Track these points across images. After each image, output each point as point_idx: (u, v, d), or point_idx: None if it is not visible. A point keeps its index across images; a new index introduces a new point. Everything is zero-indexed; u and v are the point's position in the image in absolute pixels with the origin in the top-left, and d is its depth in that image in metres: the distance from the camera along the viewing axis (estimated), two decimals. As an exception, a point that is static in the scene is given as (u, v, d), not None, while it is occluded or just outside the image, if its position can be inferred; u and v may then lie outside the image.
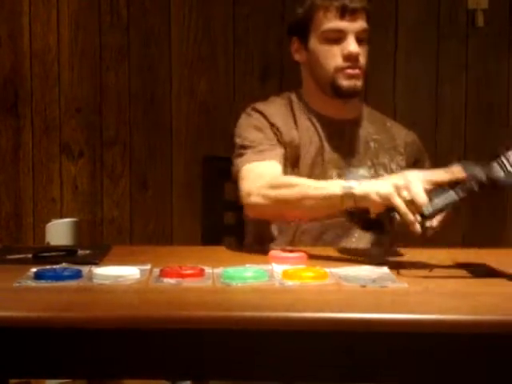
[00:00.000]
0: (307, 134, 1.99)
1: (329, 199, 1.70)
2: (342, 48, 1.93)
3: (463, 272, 1.57)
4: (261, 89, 2.93)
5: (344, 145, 2.01)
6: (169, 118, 3.03)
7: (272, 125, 1.97)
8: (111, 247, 1.79)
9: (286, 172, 1.91)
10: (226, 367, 1.25)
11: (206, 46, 3.01)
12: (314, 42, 1.96)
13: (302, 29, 1.98)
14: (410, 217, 1.55)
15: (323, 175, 1.96)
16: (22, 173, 3.06)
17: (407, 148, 2.06)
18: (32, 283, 1.38)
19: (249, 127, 1.98)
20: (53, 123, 3.04)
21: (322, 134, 2.00)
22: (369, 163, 2.00)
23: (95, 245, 2.50)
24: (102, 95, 3.04)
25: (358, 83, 1.94)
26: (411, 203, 1.56)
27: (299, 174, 1.92)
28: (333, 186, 1.70)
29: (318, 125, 2.01)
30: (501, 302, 1.32)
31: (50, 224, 2.88)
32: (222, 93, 3.00)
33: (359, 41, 1.94)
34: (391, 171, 1.99)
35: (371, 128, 2.04)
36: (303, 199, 1.74)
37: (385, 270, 1.50)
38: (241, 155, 1.93)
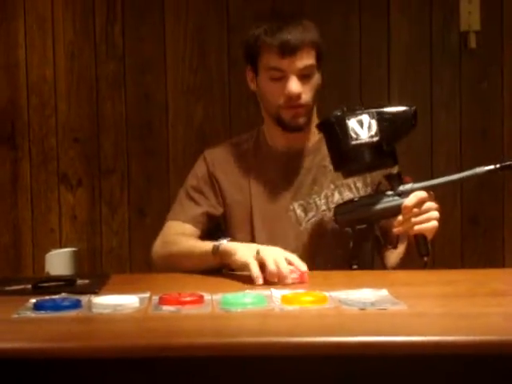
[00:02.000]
0: (261, 173, 2.05)
1: (202, 255, 1.87)
2: (284, 86, 1.94)
3: (463, 292, 1.58)
4: (257, 114, 2.93)
5: (301, 176, 2.03)
6: (166, 146, 3.04)
7: (211, 174, 2.08)
8: (110, 276, 1.79)
9: (240, 216, 2.04)
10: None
11: (202, 73, 3.02)
12: (261, 77, 2.01)
13: (253, 60, 2.01)
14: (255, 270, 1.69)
15: (284, 212, 2.01)
16: (21, 203, 3.06)
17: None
18: (31, 314, 1.38)
19: (193, 172, 2.12)
20: (50, 153, 3.05)
21: (277, 170, 2.05)
22: (332, 186, 2.02)
23: (94, 274, 2.50)
24: (99, 124, 3.05)
25: (301, 120, 1.98)
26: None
27: (256, 214, 2.02)
28: (206, 245, 1.88)
29: (271, 160, 2.06)
30: (502, 322, 1.32)
31: (49, 254, 2.88)
32: (218, 119, 3.02)
33: (304, 77, 1.95)
34: (357, 190, 2.02)
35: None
36: (182, 256, 1.93)
37: (384, 292, 1.50)
38: (175, 202, 2.10)
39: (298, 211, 2.03)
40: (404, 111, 1.84)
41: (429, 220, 1.80)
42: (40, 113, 3.04)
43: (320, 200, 2.03)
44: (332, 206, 2.01)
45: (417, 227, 1.80)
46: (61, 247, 3.00)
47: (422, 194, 1.80)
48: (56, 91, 3.04)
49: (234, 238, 2.05)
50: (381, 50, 3.02)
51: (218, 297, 1.47)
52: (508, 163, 1.77)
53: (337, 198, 2.02)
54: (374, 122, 1.81)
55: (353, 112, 1.82)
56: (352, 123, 1.81)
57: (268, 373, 1.23)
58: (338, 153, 1.86)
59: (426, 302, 1.48)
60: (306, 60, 1.95)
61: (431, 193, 1.82)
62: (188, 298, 1.43)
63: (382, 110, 1.83)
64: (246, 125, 2.89)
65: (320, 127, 1.89)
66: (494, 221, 3.03)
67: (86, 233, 3.06)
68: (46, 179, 3.06)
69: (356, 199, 1.91)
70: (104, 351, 1.20)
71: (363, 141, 1.81)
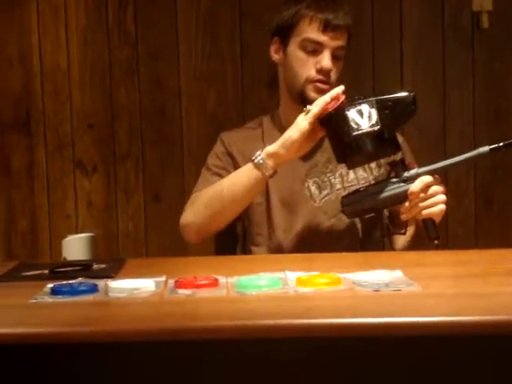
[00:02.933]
0: None
1: (243, 174, 1.90)
2: (316, 60, 1.97)
3: (477, 272, 1.58)
4: (270, 98, 2.93)
5: (315, 154, 2.04)
6: (179, 131, 3.05)
7: (229, 153, 2.09)
8: (126, 260, 1.80)
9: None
10: (244, 376, 1.26)
11: (214, 58, 3.02)
12: (292, 47, 2.01)
13: (285, 32, 2.03)
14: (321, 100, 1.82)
15: (299, 188, 2.01)
16: (37, 190, 3.08)
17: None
18: (48, 299, 1.39)
19: (212, 153, 2.13)
20: (65, 140, 3.07)
21: None
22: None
23: (110, 258, 2.51)
24: (113, 110, 3.06)
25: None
26: None
27: (272, 192, 2.05)
28: (242, 170, 1.92)
29: None
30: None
31: (66, 239, 2.90)
32: (231, 104, 3.02)
33: (335, 57, 1.99)
34: (370, 170, 2.03)
35: None
36: (221, 188, 1.93)
37: (398, 273, 1.50)
38: (199, 179, 2.09)
39: (313, 188, 2.04)
40: (403, 97, 1.82)
41: (436, 204, 1.80)
42: (54, 99, 3.05)
43: (335, 178, 2.04)
44: (347, 184, 2.02)
45: (425, 212, 1.81)
46: (77, 233, 3.01)
47: (428, 178, 1.80)
48: (70, 78, 3.05)
49: (249, 217, 2.06)
50: (393, 30, 3.01)
51: (233, 280, 1.47)
52: (510, 141, 1.76)
53: (352, 177, 2.03)
54: (373, 111, 1.79)
55: (352, 102, 1.81)
56: (352, 114, 1.80)
57: (283, 355, 1.23)
58: (341, 145, 1.85)
59: (441, 283, 1.48)
60: (342, 41, 2.00)
61: (436, 176, 1.82)
62: (203, 282, 1.44)
63: (381, 97, 1.82)
64: (258, 110, 2.88)
65: (321, 121, 1.87)
66: (508, 201, 3.02)
67: (102, 218, 3.08)
68: (61, 166, 3.07)
69: (362, 189, 1.90)
70: (120, 335, 1.21)
71: (364, 131, 1.79)
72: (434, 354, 1.23)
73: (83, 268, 1.67)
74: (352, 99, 1.82)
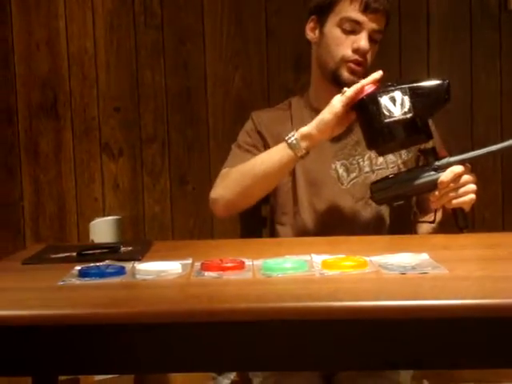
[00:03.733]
0: None
1: (276, 153, 1.90)
2: (354, 40, 1.97)
3: (504, 255, 1.57)
4: (295, 80, 2.93)
5: (344, 136, 2.03)
6: (205, 114, 3.05)
7: (259, 132, 2.09)
8: (153, 243, 1.81)
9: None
10: (270, 358, 1.26)
11: (239, 40, 3.02)
12: (330, 26, 2.00)
13: (324, 10, 2.02)
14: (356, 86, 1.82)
15: (326, 169, 2.01)
16: (65, 173, 3.11)
17: None
18: (76, 281, 1.40)
19: (243, 131, 2.12)
20: (92, 123, 3.09)
21: None
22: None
23: (137, 241, 2.52)
24: (139, 93, 3.07)
25: (357, 79, 1.95)
26: None
27: (299, 172, 2.04)
28: (275, 148, 1.92)
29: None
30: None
31: (93, 222, 2.92)
32: (256, 86, 3.02)
33: (371, 40, 1.99)
34: (399, 154, 2.02)
35: None
36: (253, 166, 1.92)
37: (425, 256, 1.50)
38: (229, 155, 2.09)
39: (340, 171, 2.03)
40: (437, 85, 1.80)
41: (466, 193, 1.79)
42: (81, 83, 3.07)
43: (363, 161, 2.03)
44: (376, 168, 2.01)
45: (454, 201, 1.80)
46: (104, 216, 3.04)
47: (459, 168, 1.78)
48: (96, 61, 3.06)
49: (276, 196, 2.06)
50: (420, 13, 2.99)
51: (258, 262, 1.47)
52: None
53: (380, 160, 2.03)
54: (406, 99, 1.77)
55: (385, 89, 1.80)
56: (384, 100, 1.78)
57: (309, 336, 1.23)
58: (372, 131, 1.84)
59: (467, 266, 1.47)
60: (380, 25, 2.00)
61: (467, 165, 1.81)
62: (229, 264, 1.44)
63: (414, 85, 1.80)
64: (283, 91, 2.89)
65: (352, 106, 1.85)
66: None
67: (129, 201, 3.10)
68: (88, 149, 3.10)
69: (391, 175, 1.89)
70: (148, 316, 1.22)
71: (396, 118, 1.77)
72: (461, 336, 1.22)
73: (110, 250, 1.68)
74: (385, 85, 1.81)
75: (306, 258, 1.51)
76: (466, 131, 2.97)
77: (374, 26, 1.98)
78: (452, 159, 1.81)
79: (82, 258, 1.62)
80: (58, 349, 1.24)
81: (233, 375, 2.02)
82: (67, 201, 3.11)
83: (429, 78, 1.84)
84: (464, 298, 1.23)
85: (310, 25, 2.07)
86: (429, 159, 1.83)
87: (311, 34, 2.06)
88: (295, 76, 2.92)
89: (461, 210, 1.82)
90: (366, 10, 1.96)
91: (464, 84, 2.99)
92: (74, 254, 1.66)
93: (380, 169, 2.02)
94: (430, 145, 1.91)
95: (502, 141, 1.78)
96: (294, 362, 1.27)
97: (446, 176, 1.78)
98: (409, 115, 1.77)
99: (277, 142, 1.96)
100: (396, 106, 1.78)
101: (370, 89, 1.81)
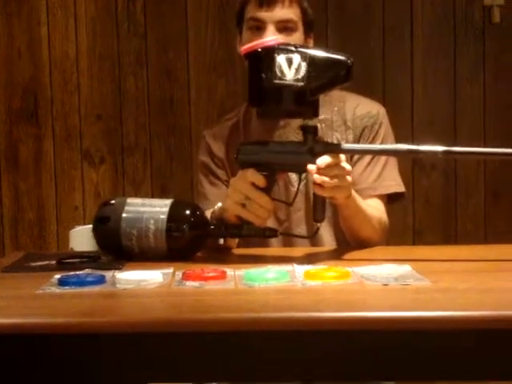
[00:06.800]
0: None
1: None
2: (261, 38, 1.86)
3: (487, 268, 1.57)
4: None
5: (288, 133, 1.99)
6: (188, 123, 3.04)
7: (214, 155, 2.06)
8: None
9: None
10: (251, 368, 1.26)
11: (223, 49, 3.02)
12: (244, 32, 1.98)
13: (239, 19, 2.00)
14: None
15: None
16: (45, 181, 3.09)
17: (355, 120, 2.00)
18: (56, 289, 1.39)
19: (200, 154, 2.10)
20: (73, 131, 3.07)
21: (267, 135, 1.99)
22: None
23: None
24: (122, 101, 3.06)
25: None
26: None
27: None
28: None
29: (261, 128, 2.02)
30: (527, 297, 1.31)
31: (73, 230, 2.90)
32: (240, 96, 3.01)
33: (283, 29, 1.92)
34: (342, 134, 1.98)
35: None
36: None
37: (407, 267, 1.50)
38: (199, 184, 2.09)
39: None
40: (339, 61, 1.64)
41: (335, 185, 1.66)
42: (63, 90, 3.05)
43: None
44: None
45: (318, 190, 1.66)
46: (85, 224, 3.01)
47: (327, 159, 1.63)
48: (78, 68, 3.05)
49: None
50: (404, 24, 3.01)
51: (240, 272, 1.47)
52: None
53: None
54: (303, 65, 1.62)
55: (285, 47, 1.64)
56: (281, 59, 1.63)
57: (291, 347, 1.23)
58: (258, 87, 1.68)
59: (450, 278, 1.47)
60: (286, 13, 1.92)
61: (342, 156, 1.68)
62: (211, 274, 1.44)
63: (316, 54, 1.64)
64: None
65: (246, 56, 1.70)
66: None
67: (110, 210, 3.07)
68: (69, 157, 3.08)
69: (264, 143, 1.74)
70: (128, 326, 1.21)
71: (287, 82, 1.63)
72: (443, 348, 1.22)
73: (91, 259, 1.67)
74: (286, 44, 1.67)
75: (289, 268, 1.50)
76: (450, 142, 2.97)
77: (277, 17, 1.91)
78: (331, 147, 1.68)
79: (61, 266, 1.61)
80: (36, 358, 1.23)
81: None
82: (47, 209, 3.09)
83: (336, 52, 1.66)
84: (447, 309, 1.23)
85: (237, 39, 2.03)
86: (307, 137, 1.68)
87: (238, 47, 1.99)
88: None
89: (322, 202, 1.69)
90: (261, 5, 1.91)
91: (448, 95, 3.00)
92: (54, 262, 1.64)
93: None
94: (313, 123, 1.72)
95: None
96: (275, 372, 1.26)
97: (321, 160, 1.63)
98: (300, 84, 1.63)
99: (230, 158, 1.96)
100: (291, 69, 1.63)
101: (270, 42, 1.66)
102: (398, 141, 1.94)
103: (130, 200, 1.74)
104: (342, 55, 1.64)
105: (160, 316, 1.25)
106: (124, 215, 1.69)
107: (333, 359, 1.23)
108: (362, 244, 1.86)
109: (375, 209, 1.92)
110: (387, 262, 1.54)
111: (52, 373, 1.24)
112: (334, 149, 1.68)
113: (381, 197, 1.97)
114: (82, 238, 2.87)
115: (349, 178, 1.68)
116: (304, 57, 1.62)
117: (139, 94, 3.04)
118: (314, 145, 1.66)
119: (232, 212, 1.71)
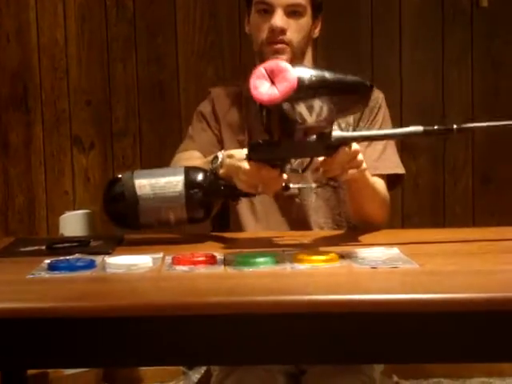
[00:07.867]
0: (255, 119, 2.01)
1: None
2: (269, 21, 1.91)
3: (475, 250, 1.58)
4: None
5: None
6: (177, 108, 3.04)
7: (214, 111, 2.08)
8: (123, 237, 1.80)
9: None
10: (240, 352, 1.26)
11: (212, 34, 3.02)
12: (252, 14, 1.98)
13: (248, 2, 2.00)
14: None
15: None
16: (34, 166, 3.08)
17: None
18: (46, 274, 1.39)
19: (201, 106, 2.13)
20: (63, 116, 3.06)
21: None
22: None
23: (107, 235, 2.50)
24: (111, 87, 3.05)
25: (283, 57, 1.87)
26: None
27: None
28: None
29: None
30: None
31: (63, 216, 2.90)
32: (229, 80, 3.01)
33: (292, 14, 1.92)
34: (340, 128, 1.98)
35: None
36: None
37: (395, 250, 1.51)
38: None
39: None
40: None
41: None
42: (52, 75, 3.04)
43: None
44: None
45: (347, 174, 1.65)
46: (74, 209, 3.02)
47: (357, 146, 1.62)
48: (67, 54, 3.04)
49: None
50: (392, 8, 3.00)
51: (230, 257, 1.47)
52: (445, 127, 1.64)
53: None
54: (325, 109, 1.51)
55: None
56: (301, 108, 1.51)
57: (280, 330, 1.24)
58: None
59: (438, 260, 1.48)
60: None
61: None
62: (200, 258, 1.44)
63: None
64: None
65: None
66: (506, 179, 3.02)
67: (100, 195, 3.07)
68: (58, 142, 3.07)
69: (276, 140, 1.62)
70: (118, 310, 1.21)
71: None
72: (430, 330, 1.23)
73: (80, 244, 1.67)
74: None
75: (278, 252, 1.51)
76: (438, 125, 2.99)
77: (286, 1, 1.90)
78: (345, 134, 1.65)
79: (51, 251, 1.61)
80: (26, 342, 1.23)
81: (203, 369, 2.02)
82: (37, 194, 3.09)
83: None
84: (435, 292, 1.24)
85: (246, 19, 2.04)
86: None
87: (246, 27, 2.04)
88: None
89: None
90: None
91: (436, 79, 3.00)
92: (44, 247, 1.64)
93: None
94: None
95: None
96: (265, 355, 1.27)
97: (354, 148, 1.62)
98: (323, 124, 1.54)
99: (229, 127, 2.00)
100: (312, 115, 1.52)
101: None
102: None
103: (137, 173, 1.78)
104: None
105: (150, 300, 1.25)
106: (138, 193, 1.72)
107: (322, 341, 1.24)
108: (366, 222, 1.88)
109: (381, 186, 1.93)
110: (376, 245, 1.55)
111: (42, 357, 1.25)
112: (349, 138, 1.61)
113: (381, 177, 1.97)
114: (71, 224, 2.88)
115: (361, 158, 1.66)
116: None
117: (128, 79, 3.04)
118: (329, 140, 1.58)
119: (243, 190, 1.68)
